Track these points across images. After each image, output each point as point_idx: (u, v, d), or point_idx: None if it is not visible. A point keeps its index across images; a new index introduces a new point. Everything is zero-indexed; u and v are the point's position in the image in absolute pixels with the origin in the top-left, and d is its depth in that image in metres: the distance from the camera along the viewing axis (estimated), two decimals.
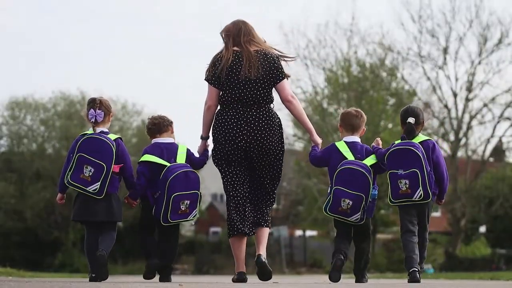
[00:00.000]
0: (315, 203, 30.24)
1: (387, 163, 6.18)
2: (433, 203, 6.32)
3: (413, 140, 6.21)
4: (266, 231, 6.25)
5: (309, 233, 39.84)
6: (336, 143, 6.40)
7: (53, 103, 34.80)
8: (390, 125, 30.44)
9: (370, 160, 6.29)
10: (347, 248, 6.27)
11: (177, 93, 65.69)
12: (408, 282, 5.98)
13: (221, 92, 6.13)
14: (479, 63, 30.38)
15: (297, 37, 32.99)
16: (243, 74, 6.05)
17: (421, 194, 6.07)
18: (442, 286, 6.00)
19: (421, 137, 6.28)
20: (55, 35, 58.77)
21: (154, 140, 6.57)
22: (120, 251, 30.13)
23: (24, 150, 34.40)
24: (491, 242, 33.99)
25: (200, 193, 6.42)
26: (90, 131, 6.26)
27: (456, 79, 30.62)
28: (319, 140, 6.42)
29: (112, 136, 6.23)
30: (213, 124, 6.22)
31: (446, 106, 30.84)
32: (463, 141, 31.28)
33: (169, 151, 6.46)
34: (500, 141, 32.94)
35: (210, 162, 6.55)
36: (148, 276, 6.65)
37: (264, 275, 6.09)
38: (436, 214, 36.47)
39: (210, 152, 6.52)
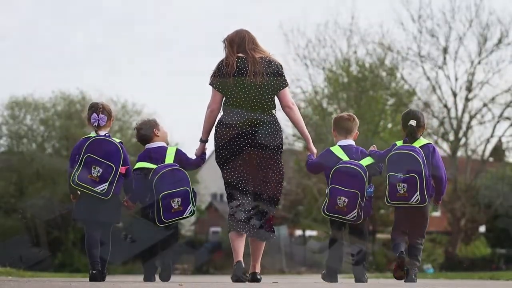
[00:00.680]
0: (315, 203, 30.23)
1: (387, 166, 6.27)
2: (431, 207, 6.42)
3: (414, 144, 6.29)
4: (263, 245, 6.27)
5: (309, 233, 39.84)
6: (331, 148, 6.54)
7: (53, 103, 34.78)
8: (389, 125, 30.44)
9: (366, 161, 6.42)
10: (342, 253, 6.44)
11: (177, 93, 65.72)
12: (396, 266, 6.11)
13: (224, 97, 6.20)
14: (479, 62, 30.35)
15: (297, 37, 32.94)
16: (248, 79, 6.13)
17: (418, 198, 6.19)
18: (442, 286, 6.01)
19: (422, 140, 6.37)
20: (55, 35, 58.79)
21: (146, 146, 6.88)
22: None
23: (24, 150, 34.40)
24: (491, 242, 34.01)
25: (193, 189, 6.50)
26: (93, 134, 6.33)
27: (456, 79, 30.60)
28: (314, 150, 6.56)
29: (116, 140, 6.31)
30: (217, 127, 6.24)
31: (445, 106, 30.82)
32: (462, 141, 31.25)
33: (158, 154, 6.69)
34: (499, 141, 32.92)
35: (209, 163, 6.61)
36: (149, 279, 6.72)
37: None
38: (436, 213, 36.48)
39: (207, 156, 6.65)
